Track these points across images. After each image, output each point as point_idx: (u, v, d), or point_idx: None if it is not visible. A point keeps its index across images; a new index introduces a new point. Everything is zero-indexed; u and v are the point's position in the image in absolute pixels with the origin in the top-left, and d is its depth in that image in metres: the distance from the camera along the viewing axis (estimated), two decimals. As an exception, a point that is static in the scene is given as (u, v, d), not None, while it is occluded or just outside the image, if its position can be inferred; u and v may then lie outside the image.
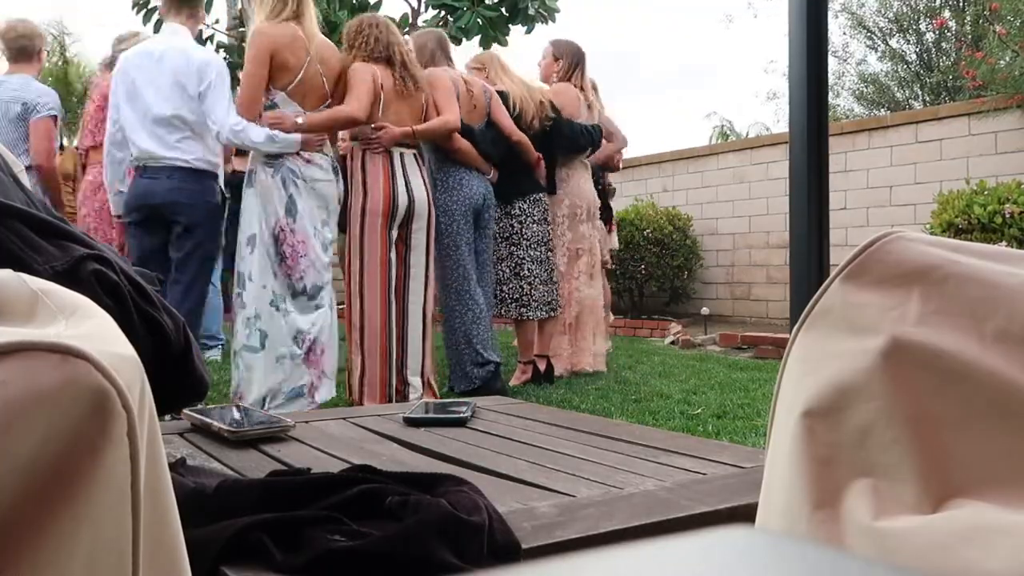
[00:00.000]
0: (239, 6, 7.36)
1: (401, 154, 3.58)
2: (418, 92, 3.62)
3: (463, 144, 3.86)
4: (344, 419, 1.54)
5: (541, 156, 4.28)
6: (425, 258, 3.64)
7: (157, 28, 8.48)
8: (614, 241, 5.44)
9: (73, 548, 0.39)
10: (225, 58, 6.64)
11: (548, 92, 4.41)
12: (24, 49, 4.21)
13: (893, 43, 14.59)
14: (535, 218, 4.21)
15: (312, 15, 3.38)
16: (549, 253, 4.27)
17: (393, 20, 8.71)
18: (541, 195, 4.28)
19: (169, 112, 3.28)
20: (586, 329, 4.58)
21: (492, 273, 4.11)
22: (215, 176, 3.46)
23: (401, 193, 3.52)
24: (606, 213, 5.05)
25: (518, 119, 4.14)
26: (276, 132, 3.23)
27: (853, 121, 8.34)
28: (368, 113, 3.43)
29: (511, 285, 4.18)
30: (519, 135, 4.11)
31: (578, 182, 4.54)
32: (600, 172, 5.03)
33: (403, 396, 3.52)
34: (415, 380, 3.58)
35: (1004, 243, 4.77)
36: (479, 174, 3.98)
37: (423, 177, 3.64)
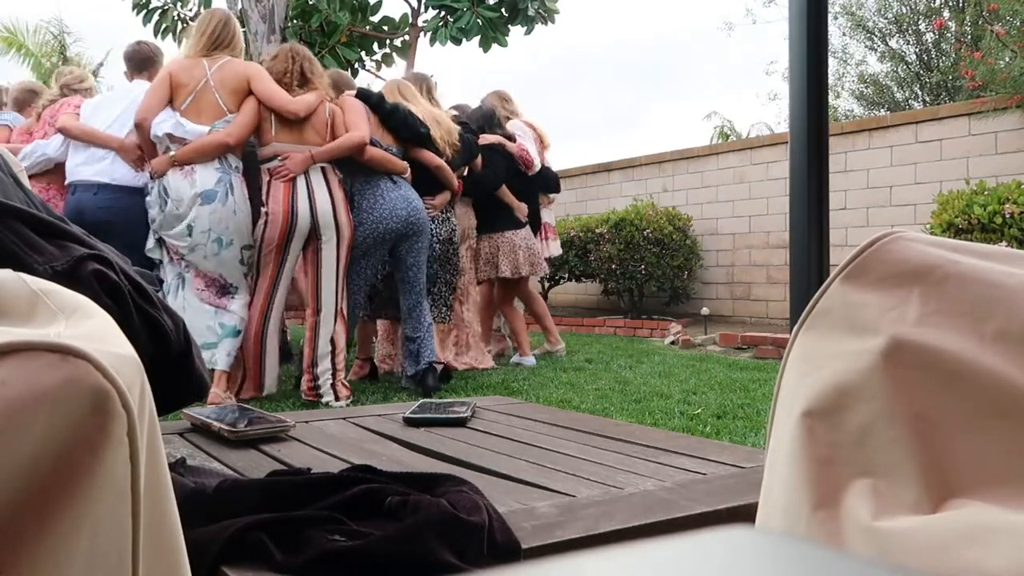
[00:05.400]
0: (239, 6, 7.36)
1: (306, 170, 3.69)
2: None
3: (374, 153, 3.90)
4: (344, 419, 1.54)
5: (461, 183, 4.53)
6: (336, 268, 3.72)
7: (157, 30, 8.50)
8: (556, 248, 5.81)
9: (73, 548, 0.39)
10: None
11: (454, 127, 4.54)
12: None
13: (893, 44, 14.59)
14: (439, 237, 4.33)
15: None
16: (438, 267, 4.37)
17: (393, 20, 8.75)
18: (449, 215, 4.43)
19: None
20: (464, 338, 4.93)
21: (423, 283, 4.11)
22: (140, 192, 3.70)
23: (303, 211, 3.62)
24: (534, 221, 5.25)
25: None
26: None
27: (853, 121, 8.32)
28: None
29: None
30: (438, 161, 4.26)
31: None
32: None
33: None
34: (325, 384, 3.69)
35: (1004, 243, 4.77)
36: (405, 190, 3.98)
37: (330, 190, 3.72)
